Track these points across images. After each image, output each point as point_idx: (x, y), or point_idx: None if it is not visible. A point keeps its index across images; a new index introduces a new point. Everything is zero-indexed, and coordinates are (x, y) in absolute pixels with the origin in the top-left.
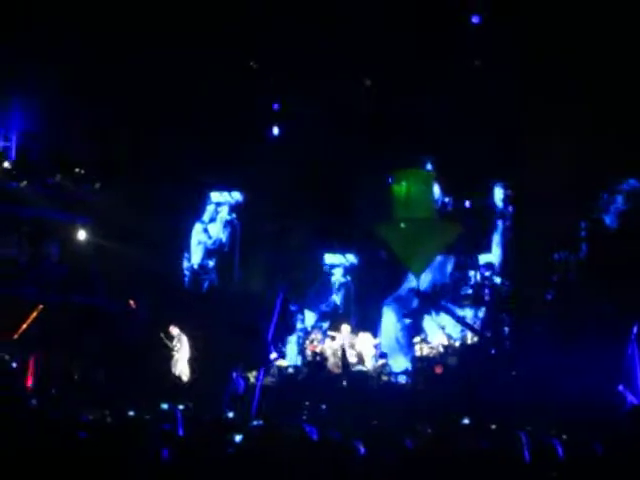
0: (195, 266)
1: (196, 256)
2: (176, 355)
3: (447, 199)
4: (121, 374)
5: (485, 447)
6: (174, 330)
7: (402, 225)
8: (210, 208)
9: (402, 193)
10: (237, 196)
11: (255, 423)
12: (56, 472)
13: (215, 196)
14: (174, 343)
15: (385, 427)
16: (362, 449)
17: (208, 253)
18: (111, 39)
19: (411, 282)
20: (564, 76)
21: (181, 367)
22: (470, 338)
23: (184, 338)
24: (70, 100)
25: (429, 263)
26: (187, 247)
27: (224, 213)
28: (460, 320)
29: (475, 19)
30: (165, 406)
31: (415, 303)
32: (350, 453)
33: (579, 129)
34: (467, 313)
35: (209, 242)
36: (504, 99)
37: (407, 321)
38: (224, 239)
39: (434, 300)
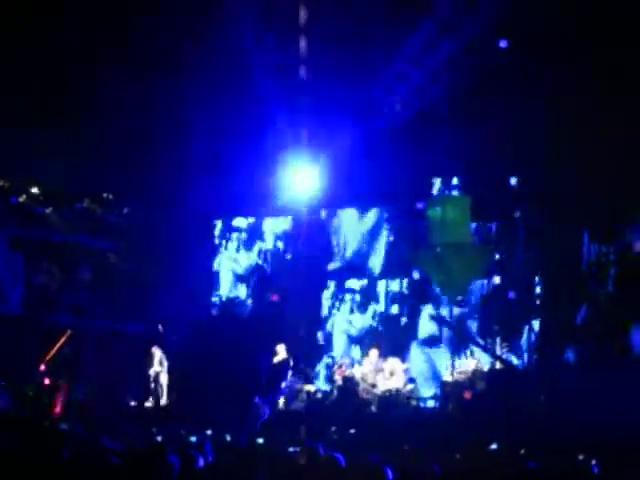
0: (224, 298)
1: (224, 285)
2: (161, 377)
3: (477, 223)
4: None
5: (512, 472)
6: (157, 352)
7: (438, 250)
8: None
9: (437, 218)
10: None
11: (292, 450)
12: None
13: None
14: (157, 366)
15: (414, 452)
16: (390, 475)
17: (238, 282)
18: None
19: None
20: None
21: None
22: (499, 363)
23: (164, 361)
24: (96, 122)
25: (465, 289)
26: (216, 274)
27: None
28: (482, 347)
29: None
30: (193, 438)
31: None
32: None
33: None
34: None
35: (240, 270)
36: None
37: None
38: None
39: (454, 326)
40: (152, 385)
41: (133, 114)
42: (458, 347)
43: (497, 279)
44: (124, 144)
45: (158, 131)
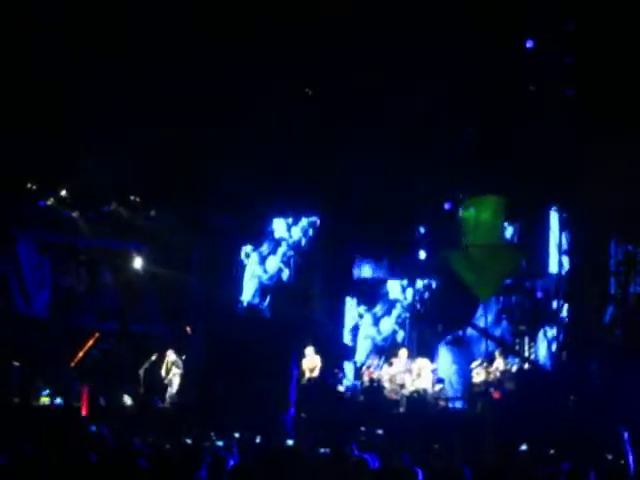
0: (245, 303)
1: (248, 291)
2: (174, 380)
3: (508, 224)
4: (180, 400)
5: (543, 473)
6: (171, 355)
7: (470, 251)
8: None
9: (471, 219)
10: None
11: (322, 451)
12: None
13: (278, 228)
14: (173, 369)
15: (443, 453)
16: (421, 476)
17: (262, 289)
18: (168, 63)
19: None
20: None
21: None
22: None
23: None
24: (124, 125)
25: (497, 289)
26: (240, 279)
27: (285, 247)
28: (509, 348)
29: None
30: (220, 443)
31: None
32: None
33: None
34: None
35: (265, 277)
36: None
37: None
38: (284, 274)
39: (476, 326)
40: (167, 387)
41: (163, 116)
42: (485, 347)
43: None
44: (152, 148)
45: (186, 139)
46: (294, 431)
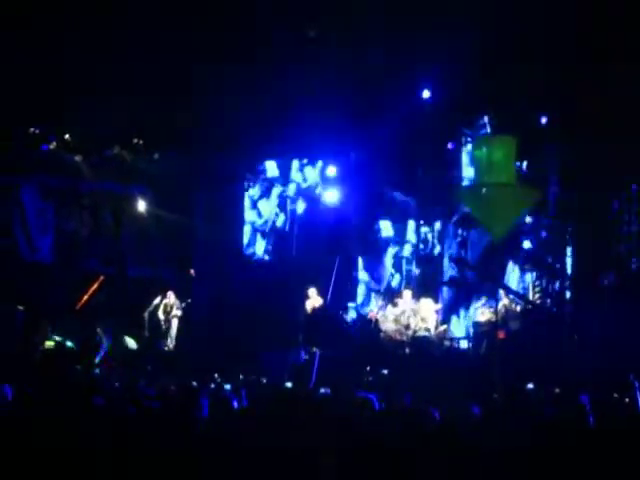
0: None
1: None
2: (173, 323)
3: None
4: (185, 344)
5: (550, 413)
6: (171, 297)
7: (483, 190)
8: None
9: (483, 158)
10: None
11: (322, 391)
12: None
13: (271, 169)
14: (172, 312)
15: (451, 393)
16: (437, 415)
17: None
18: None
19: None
20: None
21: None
22: (533, 300)
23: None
24: (128, 69)
25: (510, 228)
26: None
27: (279, 189)
28: (505, 288)
29: None
30: (228, 386)
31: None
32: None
33: None
34: (527, 278)
35: (259, 222)
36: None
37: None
38: (278, 220)
39: (473, 267)
40: (168, 330)
41: (164, 61)
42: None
43: (529, 219)
44: (154, 90)
45: (189, 78)
46: (299, 373)
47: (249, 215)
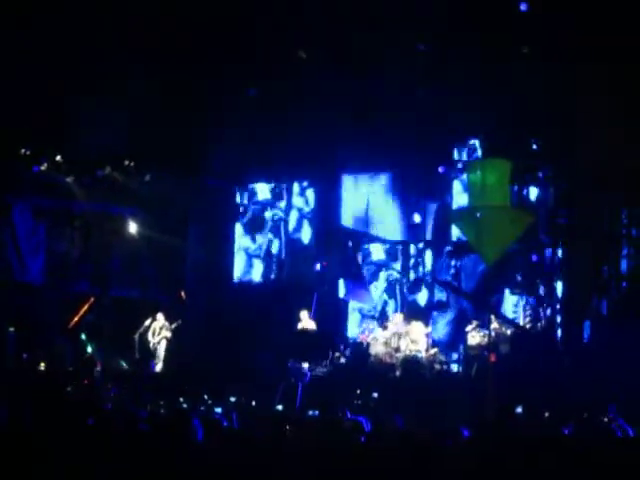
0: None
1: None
2: (161, 345)
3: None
4: (175, 366)
5: (538, 435)
6: (160, 319)
7: (477, 214)
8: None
9: (477, 181)
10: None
11: (310, 413)
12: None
13: (262, 192)
14: (161, 333)
15: (440, 415)
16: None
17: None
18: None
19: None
20: None
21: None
22: (523, 325)
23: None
24: (119, 91)
25: (502, 252)
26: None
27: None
28: (499, 315)
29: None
30: (218, 409)
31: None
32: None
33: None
34: (517, 301)
35: (252, 247)
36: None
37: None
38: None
39: (462, 291)
40: (158, 352)
41: (156, 82)
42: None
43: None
44: (144, 111)
45: (181, 99)
46: (288, 396)
47: (243, 241)
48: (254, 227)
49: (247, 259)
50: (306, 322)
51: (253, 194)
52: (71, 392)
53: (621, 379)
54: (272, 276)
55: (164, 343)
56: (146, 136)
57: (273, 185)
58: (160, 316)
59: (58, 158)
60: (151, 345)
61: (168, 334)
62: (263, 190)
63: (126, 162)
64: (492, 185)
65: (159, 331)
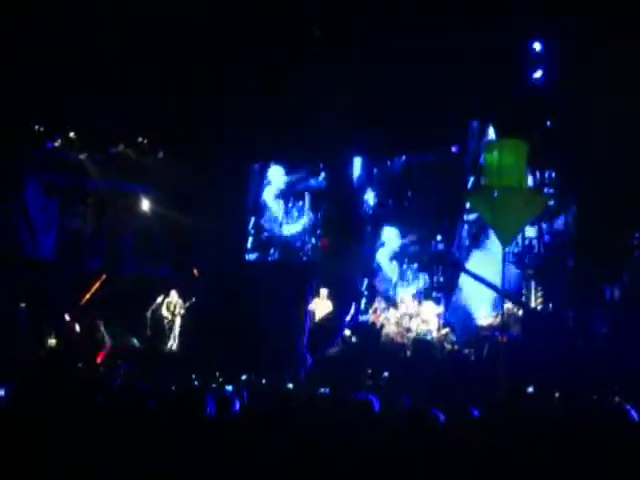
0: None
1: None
2: (176, 323)
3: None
4: (189, 344)
5: (550, 415)
6: (174, 297)
7: (494, 194)
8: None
9: (494, 162)
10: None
11: (322, 391)
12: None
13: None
14: (176, 310)
15: (451, 396)
16: (441, 417)
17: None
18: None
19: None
20: None
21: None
22: (535, 306)
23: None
24: (133, 67)
25: (518, 233)
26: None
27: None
28: (497, 290)
29: None
30: (229, 387)
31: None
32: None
33: None
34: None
35: (266, 226)
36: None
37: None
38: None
39: (453, 263)
40: (170, 329)
41: (169, 60)
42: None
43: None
44: (158, 89)
45: (194, 77)
46: (302, 373)
47: (255, 220)
48: (265, 205)
49: (257, 238)
50: (323, 301)
51: (265, 173)
52: (81, 369)
53: (631, 362)
54: (280, 254)
55: (179, 320)
56: (159, 113)
57: (289, 165)
58: (174, 293)
59: (71, 135)
60: (165, 323)
61: (182, 311)
62: (276, 170)
63: (139, 139)
64: (509, 166)
65: (174, 308)
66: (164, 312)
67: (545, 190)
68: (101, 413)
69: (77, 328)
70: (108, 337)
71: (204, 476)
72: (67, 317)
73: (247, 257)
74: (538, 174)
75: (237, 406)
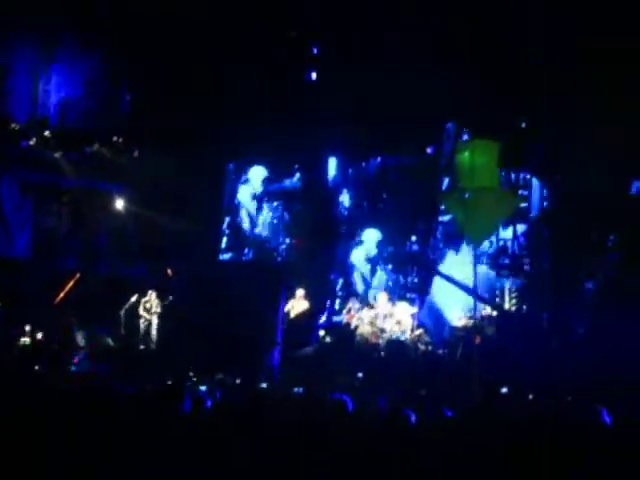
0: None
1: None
2: (153, 321)
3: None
4: (163, 343)
5: (523, 416)
6: (152, 296)
7: (466, 195)
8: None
9: (466, 162)
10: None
11: (296, 390)
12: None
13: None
14: (152, 308)
15: (425, 396)
16: (413, 417)
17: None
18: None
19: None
20: None
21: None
22: (509, 307)
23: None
24: (109, 67)
25: (490, 234)
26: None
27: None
28: (469, 291)
29: None
30: (203, 387)
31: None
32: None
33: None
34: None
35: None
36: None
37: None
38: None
39: (426, 264)
40: (145, 329)
41: (146, 60)
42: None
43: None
44: (135, 88)
45: (171, 76)
46: (274, 373)
47: (230, 219)
48: (240, 205)
49: (234, 236)
50: (299, 301)
51: (244, 173)
52: (55, 369)
53: (607, 363)
54: (255, 254)
55: (155, 320)
56: (134, 112)
57: (265, 165)
58: (151, 293)
59: (46, 133)
60: (140, 322)
61: (159, 310)
62: (255, 170)
63: (114, 138)
64: (481, 166)
65: (150, 307)
66: (140, 311)
67: (519, 192)
68: (76, 412)
69: (51, 327)
70: (82, 336)
71: (179, 473)
72: (41, 316)
73: (221, 257)
74: (512, 175)
75: (209, 405)
